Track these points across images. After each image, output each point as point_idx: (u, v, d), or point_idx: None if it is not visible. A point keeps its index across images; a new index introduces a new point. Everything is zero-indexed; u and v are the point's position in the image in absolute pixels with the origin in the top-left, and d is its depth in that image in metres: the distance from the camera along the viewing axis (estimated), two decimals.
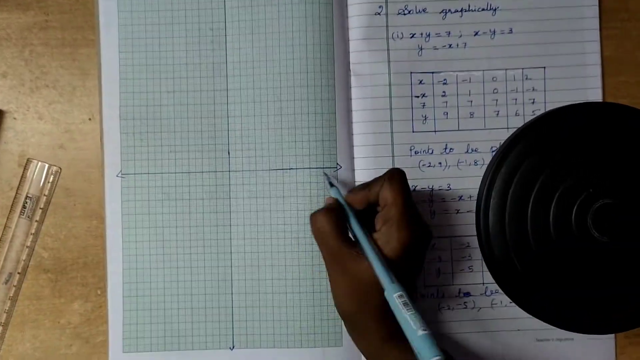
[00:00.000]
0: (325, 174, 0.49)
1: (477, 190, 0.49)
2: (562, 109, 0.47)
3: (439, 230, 0.50)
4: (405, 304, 0.40)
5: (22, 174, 0.50)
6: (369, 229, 0.45)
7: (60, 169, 0.50)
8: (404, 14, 0.50)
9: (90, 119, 0.51)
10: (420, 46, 0.50)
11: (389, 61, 0.50)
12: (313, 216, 0.45)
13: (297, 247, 0.49)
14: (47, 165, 0.50)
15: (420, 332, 0.39)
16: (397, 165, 0.50)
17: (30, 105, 0.51)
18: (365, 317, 0.43)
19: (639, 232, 0.45)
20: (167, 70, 0.50)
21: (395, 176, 0.44)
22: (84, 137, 0.51)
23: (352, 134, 0.50)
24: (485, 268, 0.50)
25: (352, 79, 0.50)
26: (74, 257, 0.50)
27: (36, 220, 0.50)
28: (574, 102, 0.49)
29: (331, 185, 0.48)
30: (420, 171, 0.50)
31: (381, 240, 0.43)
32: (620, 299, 0.46)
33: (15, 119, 0.51)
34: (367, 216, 0.46)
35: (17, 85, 0.51)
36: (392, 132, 0.50)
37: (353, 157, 0.50)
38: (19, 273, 0.50)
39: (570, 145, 0.47)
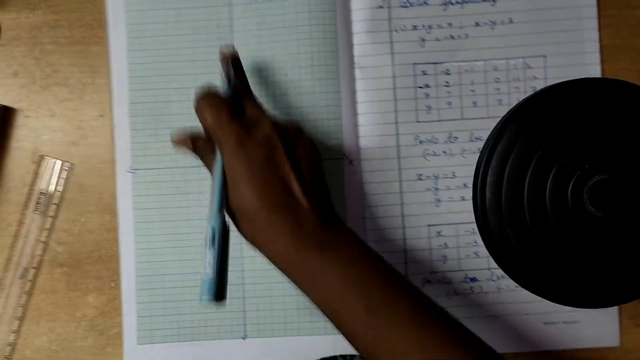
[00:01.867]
0: (231, 65, 0.46)
1: None
2: (557, 85, 0.48)
3: (444, 218, 0.51)
4: (210, 241, 0.40)
5: (36, 171, 0.51)
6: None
7: (73, 165, 0.51)
8: (407, 7, 0.51)
9: (101, 116, 0.52)
10: (422, 38, 0.51)
11: (392, 53, 0.51)
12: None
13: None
14: (59, 162, 0.51)
15: (208, 274, 0.39)
16: (403, 155, 0.51)
17: (42, 103, 0.52)
18: (271, 213, 0.40)
19: (635, 207, 0.46)
20: (175, 67, 0.51)
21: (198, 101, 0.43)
22: (96, 134, 0.52)
23: (358, 125, 0.51)
24: None
25: (357, 71, 0.51)
26: (88, 251, 0.51)
27: (50, 216, 0.51)
28: (558, 82, 0.49)
29: (229, 81, 0.45)
30: (426, 160, 0.51)
31: None
32: (617, 273, 0.47)
33: (27, 116, 0.52)
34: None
35: (28, 84, 0.52)
36: (396, 123, 0.51)
37: (359, 148, 0.51)
38: (34, 267, 0.51)
39: (566, 122, 0.47)
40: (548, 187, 0.47)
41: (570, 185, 0.46)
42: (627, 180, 0.46)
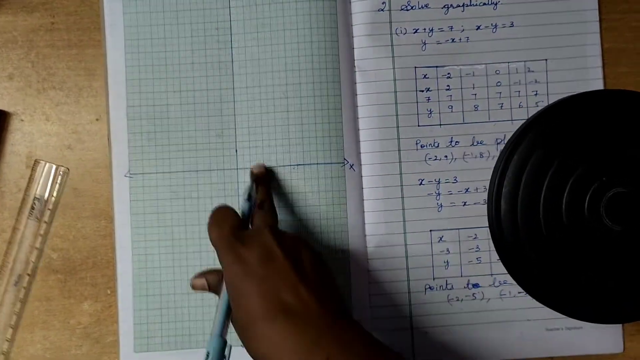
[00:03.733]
0: (254, 182, 0.48)
1: (484, 182, 0.50)
2: (574, 97, 0.47)
3: (446, 223, 0.50)
4: None
5: (30, 176, 0.50)
6: None
7: (68, 169, 0.51)
8: (407, 10, 0.51)
9: (97, 120, 0.51)
10: (423, 41, 0.51)
11: (393, 56, 0.51)
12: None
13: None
14: (54, 166, 0.50)
15: None
16: (404, 159, 0.50)
17: (37, 107, 0.51)
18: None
19: None
20: (173, 70, 0.51)
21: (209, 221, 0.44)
22: (92, 138, 0.51)
23: (359, 130, 0.51)
24: (494, 259, 0.50)
25: (357, 74, 0.51)
26: (83, 257, 0.50)
27: (45, 222, 0.50)
28: (577, 93, 0.50)
29: (249, 197, 0.47)
30: (427, 164, 0.51)
31: None
32: (632, 288, 0.47)
33: (22, 120, 0.51)
34: None
35: (23, 87, 0.51)
36: (397, 127, 0.51)
37: (360, 152, 0.50)
38: (28, 275, 0.50)
39: (583, 134, 0.47)
40: (564, 199, 0.46)
41: (587, 197, 0.46)
42: None
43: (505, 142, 0.50)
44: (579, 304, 0.47)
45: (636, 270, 0.47)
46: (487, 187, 0.49)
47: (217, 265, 0.43)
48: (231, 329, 0.41)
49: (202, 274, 0.46)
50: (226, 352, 0.39)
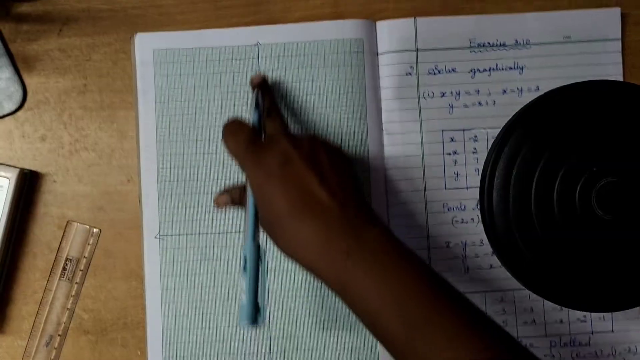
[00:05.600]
0: (258, 90, 0.48)
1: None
2: (563, 88, 0.48)
3: (473, 286, 0.51)
4: (244, 267, 0.41)
5: (62, 236, 0.51)
6: None
7: (100, 230, 0.51)
8: (434, 74, 0.51)
9: (129, 181, 0.52)
10: (450, 104, 0.51)
11: (420, 120, 0.51)
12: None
13: (336, 301, 0.50)
14: (87, 227, 0.51)
15: (242, 298, 0.40)
16: (431, 222, 0.51)
17: (70, 168, 0.52)
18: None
19: None
20: (203, 132, 0.51)
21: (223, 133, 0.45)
22: (123, 199, 0.52)
23: (387, 192, 0.51)
24: (521, 322, 0.50)
25: (385, 137, 0.51)
26: (114, 318, 0.51)
27: (76, 282, 0.51)
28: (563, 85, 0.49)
29: (257, 105, 0.47)
30: (454, 227, 0.51)
31: None
32: (624, 277, 0.47)
33: (54, 181, 0.52)
34: None
35: (56, 148, 0.52)
36: (425, 190, 0.51)
37: (387, 216, 0.51)
38: (59, 335, 0.50)
39: (572, 124, 0.47)
40: (555, 190, 0.47)
41: (578, 188, 0.46)
42: (635, 183, 0.46)
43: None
44: (572, 293, 0.47)
45: (628, 258, 0.47)
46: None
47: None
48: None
49: (224, 191, 0.47)
50: (261, 254, 0.42)
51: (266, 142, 0.44)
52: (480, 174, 0.51)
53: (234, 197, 0.47)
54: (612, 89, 0.48)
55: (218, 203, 0.47)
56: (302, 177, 0.41)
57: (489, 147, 0.50)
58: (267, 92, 0.49)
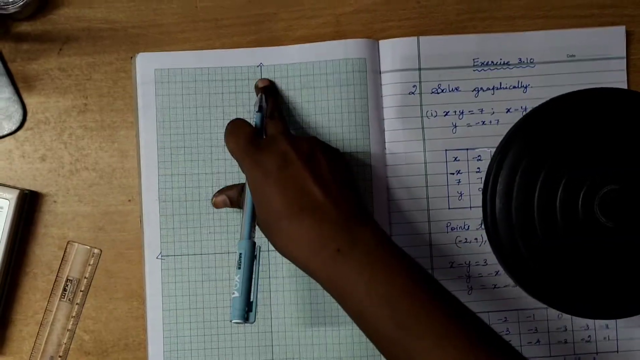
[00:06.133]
0: (262, 94, 0.49)
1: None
2: (566, 96, 0.48)
3: (477, 306, 0.50)
4: (239, 263, 0.41)
5: (63, 257, 0.51)
6: None
7: (101, 251, 0.51)
8: (438, 93, 0.51)
9: (129, 201, 0.51)
10: (454, 124, 0.51)
11: (424, 139, 0.51)
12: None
13: (337, 326, 0.50)
14: (88, 248, 0.51)
15: (233, 295, 0.41)
16: (434, 242, 0.51)
17: (70, 188, 0.51)
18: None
19: None
20: (204, 152, 0.51)
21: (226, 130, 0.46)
22: (124, 219, 0.51)
23: (390, 212, 0.51)
24: (525, 343, 0.50)
25: (388, 157, 0.51)
26: (115, 339, 0.51)
27: (77, 303, 0.50)
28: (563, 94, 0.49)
29: (260, 108, 0.48)
30: (457, 247, 0.51)
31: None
32: (627, 284, 0.47)
33: (55, 202, 0.51)
34: None
35: (56, 168, 0.51)
36: (428, 209, 0.51)
37: (391, 234, 0.50)
38: (60, 356, 0.50)
39: (575, 132, 0.47)
40: (558, 197, 0.47)
41: (581, 195, 0.46)
42: (637, 190, 0.46)
43: None
44: (575, 301, 0.47)
45: (631, 265, 0.46)
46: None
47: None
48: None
49: (221, 192, 0.48)
50: (256, 252, 0.42)
51: (266, 142, 0.44)
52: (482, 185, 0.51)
53: (231, 197, 0.48)
54: (613, 97, 0.48)
55: (216, 204, 0.48)
56: (299, 177, 0.42)
57: (492, 156, 0.50)
58: (271, 95, 0.49)
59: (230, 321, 0.41)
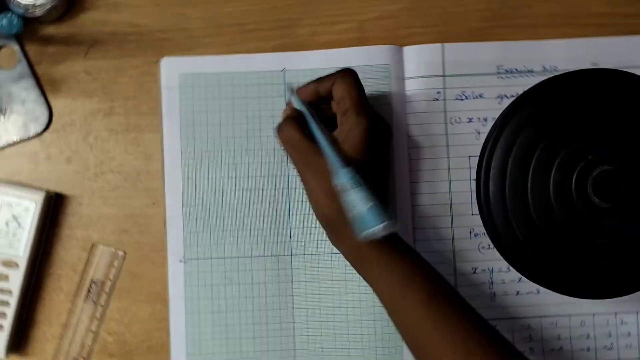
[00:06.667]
0: (288, 84, 0.50)
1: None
2: (559, 76, 0.47)
3: (499, 312, 0.50)
4: (353, 185, 0.42)
5: (87, 259, 0.51)
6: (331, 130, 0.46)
7: (125, 253, 0.51)
8: (462, 100, 0.51)
9: (154, 204, 0.52)
10: (477, 130, 0.51)
11: (447, 145, 0.51)
12: (279, 127, 0.46)
13: (360, 330, 0.50)
14: (112, 250, 0.51)
15: (368, 206, 0.41)
16: (457, 248, 0.51)
17: (95, 190, 0.52)
18: (345, 217, 0.43)
19: (639, 197, 0.45)
20: (228, 156, 0.51)
21: (347, 73, 0.46)
22: (148, 222, 0.51)
23: (413, 217, 0.51)
24: (548, 350, 0.50)
25: (411, 163, 0.51)
26: (138, 341, 0.51)
27: (101, 305, 0.51)
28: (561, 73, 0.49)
29: (292, 91, 0.47)
30: (480, 253, 0.51)
31: (342, 136, 0.45)
32: (623, 263, 0.46)
33: (80, 204, 0.52)
34: (330, 121, 0.47)
35: (81, 170, 0.52)
36: (452, 215, 0.51)
37: (414, 240, 0.51)
38: (83, 358, 0.50)
39: (568, 113, 0.47)
40: (552, 179, 0.46)
41: (574, 176, 0.46)
42: (631, 171, 0.46)
43: None
44: (572, 281, 0.47)
45: (625, 245, 0.46)
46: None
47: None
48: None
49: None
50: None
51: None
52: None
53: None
54: (608, 78, 0.47)
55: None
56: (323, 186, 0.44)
57: (491, 134, 0.49)
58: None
59: (363, 236, 0.42)
